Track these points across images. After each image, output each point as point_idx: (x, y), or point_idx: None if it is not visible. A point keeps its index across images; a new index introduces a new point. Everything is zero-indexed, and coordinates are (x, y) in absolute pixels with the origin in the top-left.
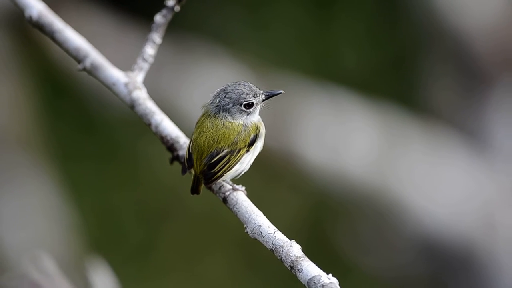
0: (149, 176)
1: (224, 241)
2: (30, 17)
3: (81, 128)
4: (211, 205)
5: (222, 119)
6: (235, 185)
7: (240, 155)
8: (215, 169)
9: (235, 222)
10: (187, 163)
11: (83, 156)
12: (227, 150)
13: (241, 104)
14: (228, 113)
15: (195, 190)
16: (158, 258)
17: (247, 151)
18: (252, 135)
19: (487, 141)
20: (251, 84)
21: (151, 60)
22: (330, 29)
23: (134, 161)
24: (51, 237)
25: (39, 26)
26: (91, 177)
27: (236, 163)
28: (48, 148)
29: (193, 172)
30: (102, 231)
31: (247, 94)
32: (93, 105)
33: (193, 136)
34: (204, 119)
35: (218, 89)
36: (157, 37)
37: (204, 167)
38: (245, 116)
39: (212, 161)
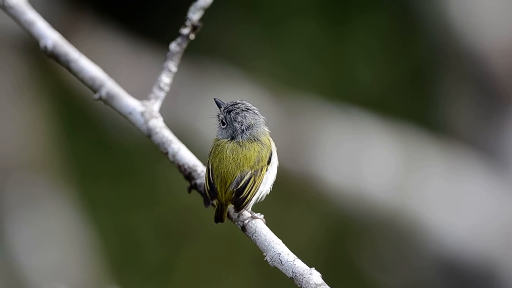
0: (168, 196)
1: (243, 261)
2: (45, 47)
3: (99, 151)
4: (230, 225)
5: (239, 142)
6: (254, 213)
7: (262, 174)
8: (243, 194)
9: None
10: (210, 193)
11: (101, 178)
12: (250, 172)
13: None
14: (245, 135)
15: (219, 218)
16: (177, 278)
17: (266, 169)
18: (269, 151)
19: (506, 160)
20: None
21: (167, 88)
22: (345, 46)
23: (152, 181)
24: (70, 258)
25: (54, 56)
26: (110, 199)
27: (260, 183)
28: (66, 171)
29: (216, 201)
30: (121, 252)
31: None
32: (112, 128)
33: (212, 165)
34: (221, 147)
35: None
36: (172, 65)
37: (232, 194)
38: (258, 134)
39: (239, 187)
